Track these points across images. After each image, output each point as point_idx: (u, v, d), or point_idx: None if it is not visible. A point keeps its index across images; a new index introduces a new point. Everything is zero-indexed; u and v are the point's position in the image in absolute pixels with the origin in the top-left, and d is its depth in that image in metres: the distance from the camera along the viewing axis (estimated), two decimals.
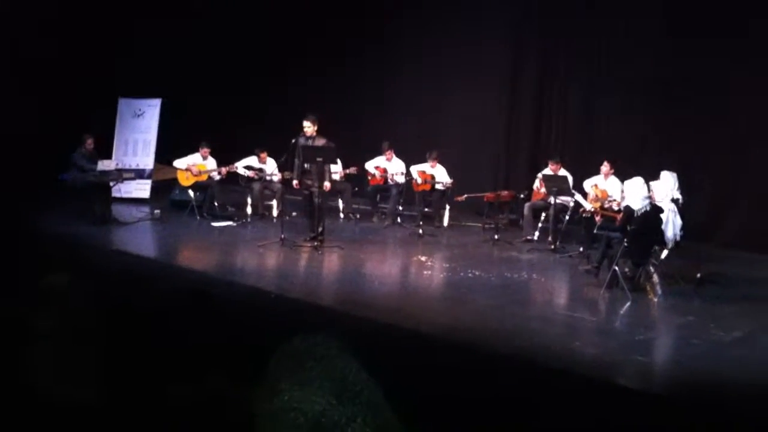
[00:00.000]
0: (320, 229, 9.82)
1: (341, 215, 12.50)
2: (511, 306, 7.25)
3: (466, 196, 11.70)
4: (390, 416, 1.21)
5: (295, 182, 10.20)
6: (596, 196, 10.08)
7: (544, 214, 10.87)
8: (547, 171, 10.87)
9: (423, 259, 9.57)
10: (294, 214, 11.82)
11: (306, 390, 1.16)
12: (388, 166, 12.47)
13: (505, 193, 11.52)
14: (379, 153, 12.54)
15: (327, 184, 9.89)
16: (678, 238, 8.84)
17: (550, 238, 10.39)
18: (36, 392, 2.42)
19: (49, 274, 3.17)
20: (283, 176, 11.57)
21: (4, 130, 11.85)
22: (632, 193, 8.12)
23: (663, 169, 9.34)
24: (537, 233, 10.85)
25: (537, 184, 11.12)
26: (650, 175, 8.86)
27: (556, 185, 10.29)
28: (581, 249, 9.75)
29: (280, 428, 1.15)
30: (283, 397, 1.16)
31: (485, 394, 4.98)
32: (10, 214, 9.88)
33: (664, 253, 8.96)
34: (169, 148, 13.25)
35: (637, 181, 8.15)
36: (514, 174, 13.00)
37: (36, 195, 11.41)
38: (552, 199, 10.30)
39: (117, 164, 12.64)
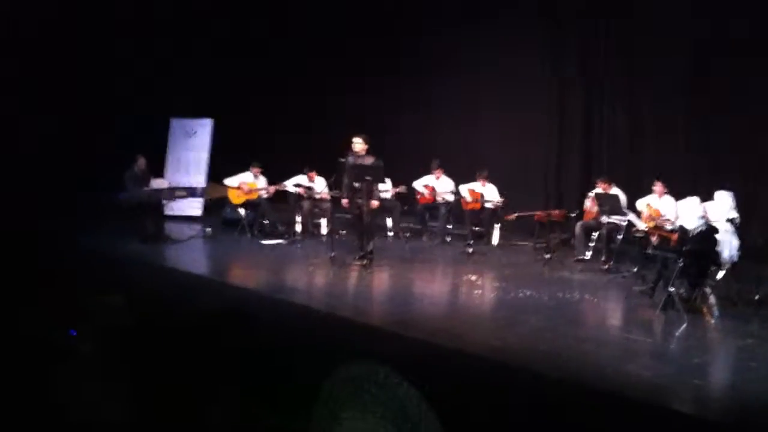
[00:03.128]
0: (369, 248, 9.81)
1: (390, 234, 12.48)
2: (562, 327, 7.11)
3: (516, 214, 11.60)
4: None
5: (344, 201, 10.21)
6: (650, 215, 9.91)
7: (596, 234, 10.71)
8: (598, 190, 10.72)
9: (473, 278, 9.48)
10: (343, 232, 11.84)
11: (368, 419, 1.13)
12: (437, 184, 12.43)
13: (556, 212, 11.39)
14: (428, 171, 12.52)
15: (375, 203, 9.87)
16: (735, 258, 8.64)
17: (602, 258, 10.23)
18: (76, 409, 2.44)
19: (103, 295, 3.21)
20: (332, 195, 11.63)
21: (59, 150, 12.11)
22: (687, 213, 7.96)
23: (718, 189, 9.16)
24: (589, 253, 10.70)
25: (589, 203, 10.98)
26: (705, 195, 8.69)
27: (607, 204, 10.14)
28: (635, 269, 9.58)
29: None
30: (344, 425, 1.13)
31: (536, 417, 4.90)
32: (65, 233, 10.08)
33: (721, 274, 8.77)
34: (220, 167, 13.40)
35: (692, 201, 7.99)
36: (566, 192, 12.85)
37: (91, 215, 11.61)
38: (604, 219, 10.15)
39: (169, 183, 12.85)
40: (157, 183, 11.94)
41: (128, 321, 3.09)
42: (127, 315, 3.12)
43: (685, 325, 7.22)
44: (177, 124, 14.55)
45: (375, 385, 1.16)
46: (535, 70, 13.01)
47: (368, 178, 9.69)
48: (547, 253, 10.61)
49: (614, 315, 8.15)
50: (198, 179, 14.17)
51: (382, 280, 9.38)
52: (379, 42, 14.35)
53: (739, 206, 9.22)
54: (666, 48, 11.42)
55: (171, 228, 12.24)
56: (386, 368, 1.21)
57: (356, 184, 9.79)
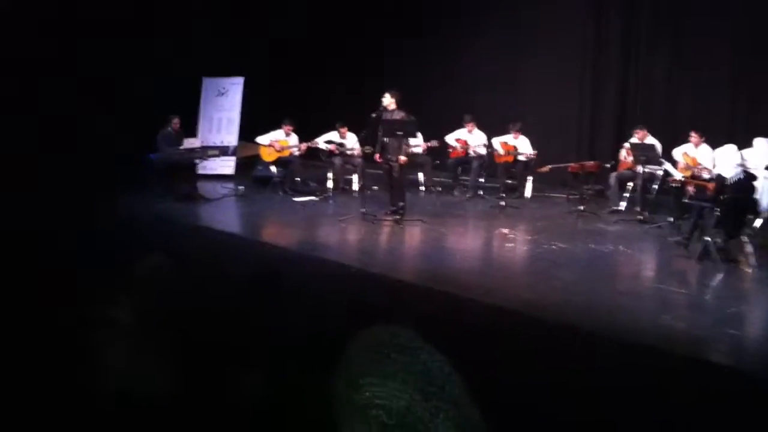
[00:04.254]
0: (401, 204, 9.80)
1: (422, 189, 12.46)
2: (597, 280, 7.09)
3: (549, 167, 11.48)
4: (472, 412, 1.17)
5: (377, 156, 10.19)
6: (686, 164, 9.75)
7: (631, 184, 10.57)
8: (634, 139, 10.56)
9: (505, 232, 9.44)
10: (375, 188, 11.83)
11: (389, 385, 1.12)
12: (469, 138, 12.33)
13: (590, 163, 11.23)
14: (460, 126, 12.42)
15: (403, 158, 9.81)
16: None
17: (638, 209, 10.11)
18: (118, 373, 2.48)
19: (144, 257, 3.22)
20: (363, 150, 11.59)
21: (93, 113, 12.18)
22: (724, 162, 7.83)
23: (757, 136, 8.98)
24: (624, 204, 10.59)
25: (624, 153, 10.83)
26: (743, 143, 8.53)
27: (644, 154, 9.99)
28: (671, 220, 9.47)
29: (363, 426, 1.11)
30: (365, 393, 1.13)
31: (569, 371, 4.90)
32: (100, 195, 10.19)
33: (758, 223, 8.64)
34: (252, 125, 13.41)
35: (730, 149, 7.85)
36: (600, 143, 12.67)
37: (125, 175, 11.71)
38: (640, 168, 10.01)
39: (202, 142, 12.91)
40: (189, 142, 11.98)
41: (171, 282, 3.11)
42: (171, 275, 3.14)
43: (721, 276, 7.16)
44: (209, 83, 14.56)
45: (395, 350, 1.15)
46: (572, 22, 12.76)
47: (399, 133, 9.66)
48: (581, 204, 10.52)
49: (649, 266, 8.09)
50: (230, 138, 14.21)
51: (413, 235, 9.38)
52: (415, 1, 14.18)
53: None
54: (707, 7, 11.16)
55: (204, 187, 12.31)
56: (409, 331, 1.20)
57: (386, 140, 9.76)
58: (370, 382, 1.12)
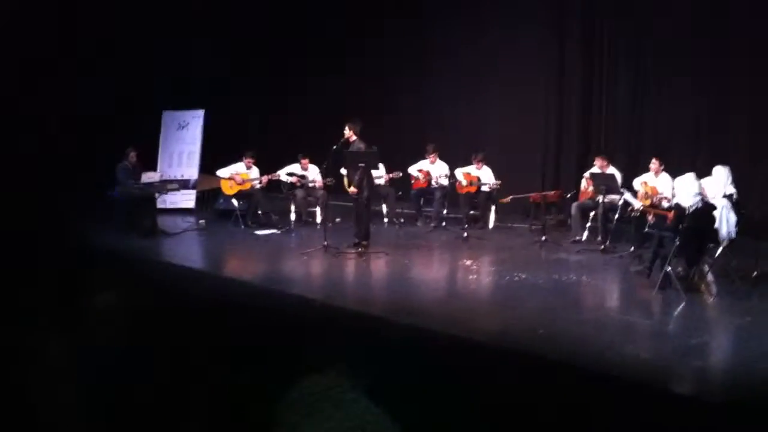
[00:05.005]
0: (361, 238, 9.81)
1: (385, 220, 12.41)
2: (560, 310, 7.06)
3: (511, 197, 11.51)
4: None
5: (351, 190, 10.14)
6: (646, 193, 9.82)
7: (592, 214, 10.63)
8: (595, 169, 10.63)
9: (469, 263, 9.41)
10: (338, 220, 11.76)
11: None
12: (432, 168, 12.33)
13: (551, 193, 11.28)
14: (423, 156, 12.42)
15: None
16: (733, 234, 8.56)
17: (599, 238, 10.16)
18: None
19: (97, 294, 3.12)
20: (325, 183, 11.52)
21: (50, 149, 11.99)
22: (683, 190, 7.87)
23: (716, 164, 9.10)
24: (586, 233, 10.63)
25: (584, 182, 10.89)
26: (703, 171, 8.62)
27: (604, 183, 10.05)
28: (632, 249, 9.52)
29: None
30: None
31: (534, 401, 4.83)
32: (61, 231, 9.98)
33: (719, 251, 8.70)
34: (213, 158, 13.29)
35: (688, 178, 7.90)
36: (562, 173, 12.76)
37: (84, 211, 11.51)
38: (600, 198, 10.07)
39: (161, 176, 12.75)
40: (148, 176, 11.81)
41: (120, 318, 3.01)
42: (119, 312, 3.04)
43: (683, 304, 7.17)
44: (169, 117, 14.41)
45: (330, 404, 1.07)
46: (533, 54, 12.90)
47: (361, 164, 9.65)
48: (543, 235, 10.53)
49: (612, 296, 8.09)
50: (191, 171, 14.05)
51: (377, 267, 9.31)
52: (380, 25, 14.31)
53: (737, 182, 9.14)
54: (664, 24, 11.33)
55: (165, 221, 12.14)
56: (344, 382, 1.12)
57: (350, 171, 9.80)
58: None
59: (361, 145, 9.70)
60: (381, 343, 6.26)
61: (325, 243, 9.74)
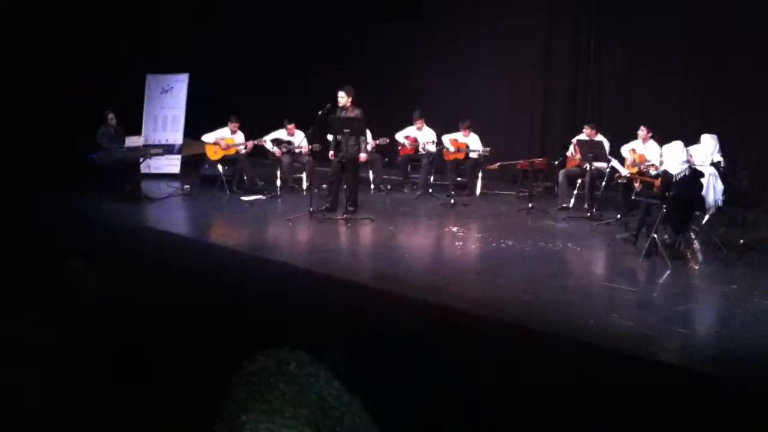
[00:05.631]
0: (352, 202, 9.88)
1: (372, 187, 12.31)
2: (545, 278, 7.01)
3: (498, 164, 11.44)
4: None
5: (330, 153, 10.08)
6: (634, 161, 9.76)
7: (579, 181, 10.58)
8: (582, 136, 10.57)
9: (455, 230, 9.35)
10: (324, 186, 11.66)
11: (276, 421, 0.95)
12: (419, 135, 12.22)
13: (539, 160, 11.20)
14: (410, 123, 12.30)
15: (363, 156, 9.80)
16: (720, 203, 8.55)
17: (586, 206, 10.11)
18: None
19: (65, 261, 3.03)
20: (311, 148, 11.40)
21: (33, 112, 11.78)
22: (671, 158, 7.81)
23: (703, 132, 9.05)
24: (573, 201, 10.59)
25: (572, 150, 10.83)
26: (690, 140, 8.55)
27: (591, 151, 9.98)
28: (619, 216, 9.48)
29: None
30: (252, 426, 0.96)
31: (518, 370, 4.80)
32: (42, 197, 9.87)
33: (705, 219, 8.68)
34: (197, 123, 13.13)
35: (676, 145, 7.83)
36: (549, 140, 12.68)
37: (67, 176, 11.36)
38: (587, 166, 10.01)
39: (145, 140, 12.59)
40: (132, 141, 11.66)
41: (88, 285, 2.92)
42: (88, 280, 2.95)
43: (669, 273, 7.14)
44: (153, 80, 14.21)
45: (284, 379, 0.98)
46: (523, 17, 12.75)
47: (346, 130, 9.55)
48: (530, 202, 10.48)
49: (597, 264, 8.04)
50: (175, 136, 13.89)
51: (363, 234, 9.24)
52: None
53: (724, 150, 9.10)
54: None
55: (149, 186, 12.02)
56: (300, 356, 1.04)
57: (339, 137, 9.69)
58: (253, 418, 0.95)
59: (356, 112, 9.63)
60: (361, 312, 6.22)
61: (311, 209, 9.65)
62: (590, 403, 4.39)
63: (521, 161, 11.25)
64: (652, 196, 8.03)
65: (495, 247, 8.32)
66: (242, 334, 3.65)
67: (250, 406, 0.86)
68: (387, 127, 12.24)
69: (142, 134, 13.31)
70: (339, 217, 9.63)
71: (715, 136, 8.94)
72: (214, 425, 0.92)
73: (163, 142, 13.56)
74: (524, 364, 4.95)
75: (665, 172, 7.87)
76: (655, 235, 7.50)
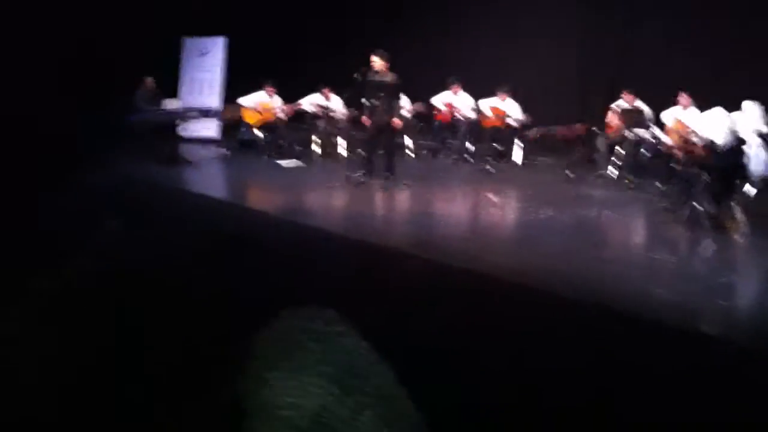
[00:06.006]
0: (390, 167, 9.71)
1: (408, 152, 12.22)
2: (584, 247, 6.90)
3: (536, 130, 11.28)
4: (404, 405, 0.96)
5: (364, 119, 9.97)
6: (675, 128, 9.53)
7: (619, 149, 10.38)
8: (622, 103, 10.36)
9: (492, 197, 9.25)
10: (360, 151, 11.59)
11: (302, 379, 0.91)
12: (456, 100, 12.07)
13: (578, 126, 11.03)
14: (446, 88, 12.15)
15: (397, 121, 9.62)
16: (764, 172, 8.32)
17: (625, 174, 9.93)
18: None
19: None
20: (349, 113, 11.34)
21: (69, 74, 11.86)
22: (713, 126, 7.61)
23: (745, 99, 8.78)
24: (612, 168, 10.40)
25: (611, 116, 10.62)
26: (732, 106, 8.31)
27: (631, 118, 9.79)
28: (659, 185, 9.30)
29: (270, 428, 0.91)
30: (273, 390, 0.91)
31: (554, 341, 4.73)
32: (77, 158, 9.93)
33: (748, 189, 8.47)
34: (234, 87, 13.12)
35: (719, 113, 7.63)
36: (589, 107, 12.43)
37: (103, 138, 11.44)
38: (627, 133, 9.82)
39: (182, 103, 12.61)
40: (169, 104, 11.70)
41: (124, 246, 2.91)
42: (123, 241, 2.94)
43: (710, 243, 6.98)
44: (189, 44, 14.22)
45: (311, 338, 0.94)
46: None
47: (381, 94, 9.44)
48: (568, 169, 10.33)
49: (637, 233, 7.90)
50: (212, 100, 13.89)
51: (399, 200, 9.18)
52: None
53: None
54: None
55: (186, 150, 12.07)
56: (328, 314, 0.99)
57: (374, 102, 9.52)
58: (278, 376, 0.91)
59: (391, 76, 9.48)
60: (395, 277, 6.18)
61: (347, 174, 9.62)
62: (626, 375, 4.31)
63: (560, 128, 11.07)
64: (694, 164, 7.84)
65: (532, 216, 8.21)
66: (268, 294, 3.62)
67: (276, 364, 0.83)
68: (423, 92, 12.10)
69: (179, 97, 13.31)
70: (375, 183, 9.57)
71: (758, 103, 8.69)
72: (238, 382, 0.89)
73: (200, 106, 13.57)
74: (560, 334, 4.88)
75: (708, 140, 7.68)
76: (697, 205, 7.34)
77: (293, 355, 0.94)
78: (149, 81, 11.67)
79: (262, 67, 13.03)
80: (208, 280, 3.55)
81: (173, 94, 13.19)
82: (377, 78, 9.48)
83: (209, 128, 13.77)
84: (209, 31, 13.93)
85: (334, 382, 0.92)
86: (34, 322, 2.30)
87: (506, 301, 5.63)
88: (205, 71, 14.05)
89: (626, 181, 9.74)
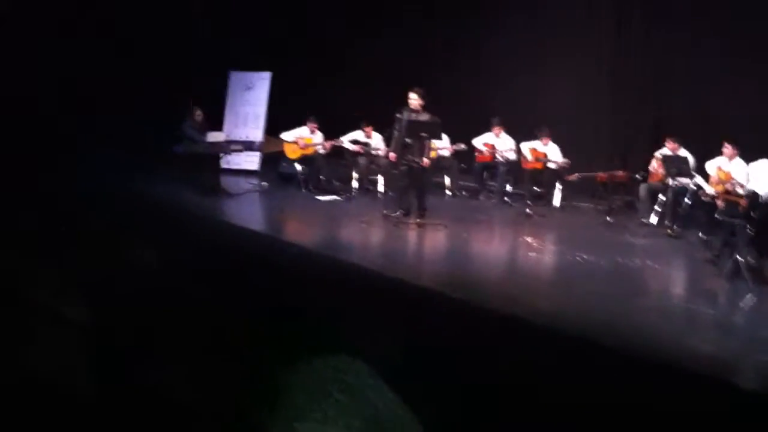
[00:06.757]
0: (423, 207, 9.68)
1: (447, 192, 12.23)
2: (621, 294, 6.81)
3: (578, 175, 11.21)
4: None
5: (391, 155, 9.97)
6: (719, 178, 9.41)
7: (661, 197, 10.27)
8: (666, 150, 10.26)
9: (529, 240, 9.19)
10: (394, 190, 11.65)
11: (328, 430, 0.91)
12: (497, 142, 12.08)
13: (620, 173, 10.93)
14: (487, 129, 12.17)
15: (426, 161, 9.61)
16: None
17: (667, 223, 9.80)
18: None
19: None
20: (389, 151, 11.39)
21: (120, 104, 12.13)
22: (758, 177, 7.51)
23: None
24: (654, 216, 10.27)
25: (654, 164, 10.52)
26: None
27: (675, 166, 9.69)
28: (701, 235, 9.15)
29: None
30: None
31: (589, 391, 4.66)
32: (123, 186, 10.13)
33: None
34: (276, 121, 13.28)
35: (765, 163, 7.53)
36: (631, 153, 12.33)
37: (148, 167, 11.66)
38: (671, 181, 9.72)
39: (227, 136, 12.79)
40: (214, 136, 11.85)
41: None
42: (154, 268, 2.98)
43: (752, 296, 6.84)
44: (236, 77, 14.45)
45: (340, 388, 0.94)
46: (604, 23, 12.44)
47: (423, 134, 9.45)
48: (608, 215, 10.24)
49: (676, 283, 7.79)
50: (255, 133, 14.06)
51: (435, 239, 9.17)
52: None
53: None
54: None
55: (227, 181, 12.22)
56: (358, 366, 0.99)
57: (408, 140, 9.49)
58: (308, 427, 0.91)
59: (426, 115, 9.50)
60: (427, 316, 6.15)
61: (385, 212, 9.64)
62: (664, 426, 4.23)
63: (601, 173, 11.00)
64: (737, 215, 7.72)
65: (570, 260, 8.12)
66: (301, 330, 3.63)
67: (306, 414, 0.83)
68: (463, 132, 12.12)
69: (224, 129, 13.50)
70: (412, 221, 9.56)
71: None
72: (270, 428, 0.89)
73: (244, 139, 13.74)
74: (594, 382, 4.81)
75: (752, 191, 7.57)
76: (740, 257, 7.21)
77: (322, 405, 0.94)
78: (198, 112, 11.85)
79: (305, 102, 13.20)
80: (239, 309, 3.57)
81: (218, 125, 13.37)
82: (413, 116, 9.48)
83: (251, 161, 13.93)
84: (255, 65, 14.15)
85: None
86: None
87: (539, 344, 5.57)
88: (249, 105, 14.24)
89: (668, 230, 9.61)
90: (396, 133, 9.59)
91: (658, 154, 10.45)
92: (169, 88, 12.68)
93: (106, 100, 12.24)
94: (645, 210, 10.33)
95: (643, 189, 10.43)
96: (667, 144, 10.27)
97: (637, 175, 10.84)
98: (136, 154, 11.47)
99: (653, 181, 10.46)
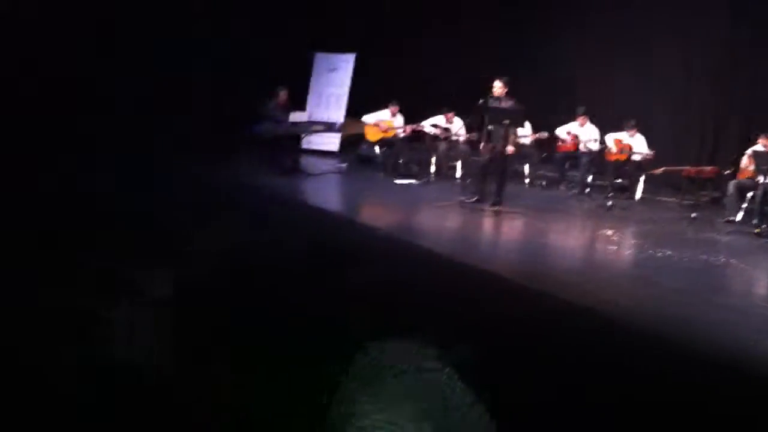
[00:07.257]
0: (501, 194, 9.58)
1: (527, 181, 12.07)
2: (701, 292, 6.60)
3: (663, 169, 10.91)
4: None
5: (481, 145, 9.91)
6: None
7: (750, 194, 9.89)
8: (758, 147, 9.87)
9: (609, 233, 8.98)
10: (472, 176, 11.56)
11: (382, 415, 0.88)
12: (581, 132, 11.84)
13: (708, 168, 10.59)
14: (571, 119, 11.93)
15: (510, 148, 9.52)
16: None
17: (755, 221, 9.44)
18: None
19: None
20: (469, 137, 11.32)
21: (201, 83, 12.32)
22: None
23: None
24: (741, 214, 9.92)
25: (745, 160, 10.14)
26: None
27: (766, 163, 9.32)
28: None
29: None
30: (360, 422, 0.89)
31: (656, 387, 4.53)
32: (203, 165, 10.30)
33: None
34: (358, 104, 13.32)
35: None
36: (720, 149, 11.90)
37: (229, 146, 11.84)
38: (761, 178, 9.35)
39: (309, 116, 12.89)
40: (296, 116, 11.96)
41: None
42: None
43: None
44: (320, 59, 14.54)
45: (392, 374, 0.91)
46: (699, 12, 12.01)
47: (506, 121, 9.37)
48: (694, 211, 9.93)
49: (761, 284, 7.50)
50: (337, 114, 14.14)
51: (512, 228, 9.07)
52: None
53: None
54: None
55: (306, 161, 12.34)
56: (414, 350, 0.96)
57: (491, 127, 9.48)
58: (362, 411, 0.89)
59: (510, 102, 9.44)
60: (499, 307, 6.07)
61: (463, 198, 9.59)
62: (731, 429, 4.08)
63: (688, 167, 10.67)
64: None
65: (650, 255, 7.90)
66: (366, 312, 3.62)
67: (359, 399, 0.81)
68: (548, 121, 11.91)
69: (306, 110, 13.61)
70: (488, 209, 9.48)
71: None
72: (327, 414, 0.88)
73: (325, 120, 13.83)
74: (663, 380, 4.66)
75: None
76: None
77: (376, 391, 0.92)
78: (283, 93, 11.97)
79: (387, 86, 13.17)
80: (310, 291, 3.59)
81: (301, 105, 13.49)
82: (497, 103, 9.44)
83: (331, 142, 14.03)
84: (339, 46, 14.19)
85: (429, 419, 0.89)
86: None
87: (614, 340, 5.45)
88: (333, 86, 14.33)
89: (755, 228, 9.26)
90: (485, 122, 9.56)
91: (749, 151, 10.07)
92: (254, 69, 12.80)
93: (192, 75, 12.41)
94: (732, 207, 9.98)
95: (731, 186, 10.07)
96: (760, 141, 9.89)
97: (725, 171, 10.48)
98: (218, 134, 11.65)
99: (742, 177, 10.10)
